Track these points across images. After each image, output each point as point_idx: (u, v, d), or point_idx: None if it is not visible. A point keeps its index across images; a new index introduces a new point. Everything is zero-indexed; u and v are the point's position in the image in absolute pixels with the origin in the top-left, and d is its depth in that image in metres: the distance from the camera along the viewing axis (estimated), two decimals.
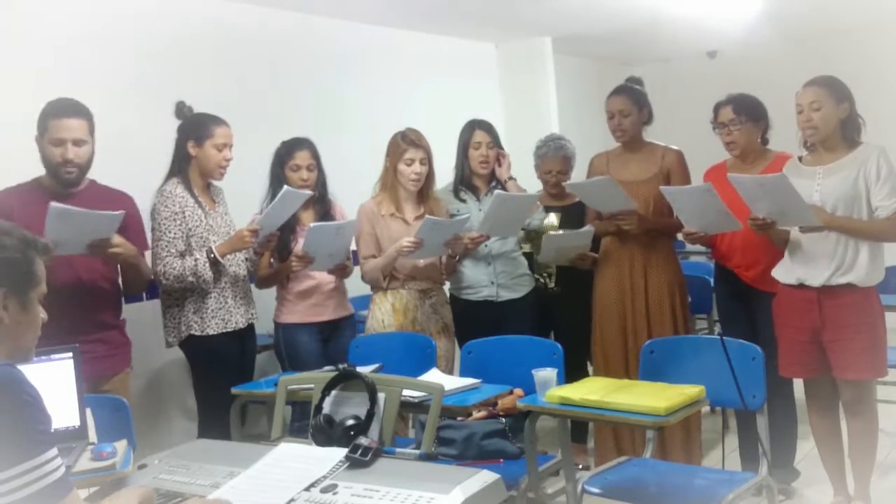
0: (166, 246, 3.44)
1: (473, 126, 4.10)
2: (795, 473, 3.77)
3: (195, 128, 3.58)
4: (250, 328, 3.72)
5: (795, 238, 3.32)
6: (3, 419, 1.57)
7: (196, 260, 3.44)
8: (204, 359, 3.57)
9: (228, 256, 3.54)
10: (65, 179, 3.16)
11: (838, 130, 3.25)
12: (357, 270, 3.96)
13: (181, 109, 3.67)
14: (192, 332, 3.51)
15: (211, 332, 3.52)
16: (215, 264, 3.48)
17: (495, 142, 4.09)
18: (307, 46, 5.10)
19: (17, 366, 1.66)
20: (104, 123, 3.27)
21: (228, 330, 3.56)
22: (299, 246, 3.68)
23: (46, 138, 3.12)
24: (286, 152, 3.85)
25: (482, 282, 4.04)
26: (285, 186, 3.57)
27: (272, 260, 3.85)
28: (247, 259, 3.71)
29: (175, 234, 3.45)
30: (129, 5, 4.20)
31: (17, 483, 1.55)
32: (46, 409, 1.65)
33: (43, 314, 1.83)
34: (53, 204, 2.90)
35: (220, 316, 3.54)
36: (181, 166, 3.56)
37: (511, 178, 4.08)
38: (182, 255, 3.46)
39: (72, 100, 3.17)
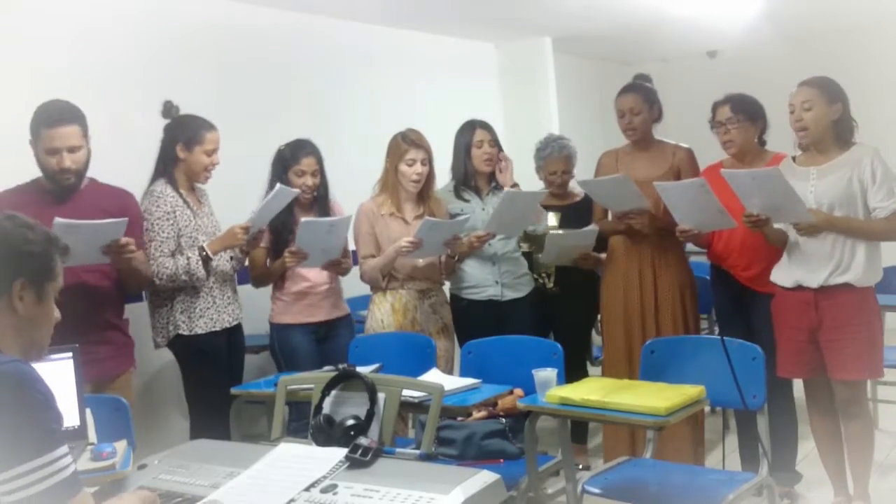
0: (159, 246, 3.43)
1: (474, 125, 4.09)
2: (797, 477, 3.73)
3: (185, 131, 3.53)
4: (238, 326, 3.71)
5: (794, 240, 3.31)
6: (13, 415, 1.57)
7: (188, 259, 3.43)
8: (193, 358, 3.56)
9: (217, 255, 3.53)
10: (64, 186, 3.14)
11: (830, 131, 3.24)
12: (356, 270, 3.95)
13: (168, 109, 3.63)
14: (180, 331, 3.49)
15: (199, 332, 3.51)
16: (207, 262, 3.48)
17: (495, 141, 4.09)
18: (305, 46, 5.09)
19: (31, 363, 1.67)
20: (96, 123, 3.23)
21: (217, 329, 3.56)
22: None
23: (40, 147, 3.08)
24: (291, 156, 3.80)
25: (487, 281, 4.03)
26: (278, 184, 3.56)
27: (268, 259, 3.83)
28: (231, 258, 3.67)
29: (167, 233, 3.45)
30: (129, 6, 4.19)
31: (26, 480, 1.55)
32: (57, 407, 1.66)
33: (56, 314, 1.85)
34: (57, 219, 2.82)
35: (208, 315, 3.53)
36: (167, 167, 3.54)
37: (515, 184, 4.06)
38: (173, 254, 3.45)
39: (63, 103, 3.11)
